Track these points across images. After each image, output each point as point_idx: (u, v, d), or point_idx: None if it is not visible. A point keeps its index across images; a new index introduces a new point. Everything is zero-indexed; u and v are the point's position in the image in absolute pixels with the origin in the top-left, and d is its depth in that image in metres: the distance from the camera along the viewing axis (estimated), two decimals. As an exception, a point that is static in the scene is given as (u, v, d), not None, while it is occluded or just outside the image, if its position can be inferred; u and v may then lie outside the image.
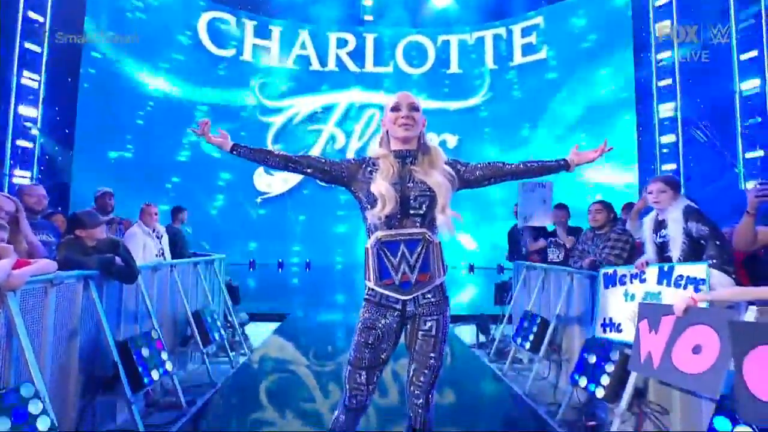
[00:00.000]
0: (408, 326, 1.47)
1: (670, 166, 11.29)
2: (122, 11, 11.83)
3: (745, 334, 1.38)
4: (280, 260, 13.42)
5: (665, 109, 11.70)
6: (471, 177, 1.53)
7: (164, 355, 2.57)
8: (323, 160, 1.54)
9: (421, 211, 1.43)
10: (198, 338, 3.26)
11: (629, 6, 12.19)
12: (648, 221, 2.43)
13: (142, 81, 12.18)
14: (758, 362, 1.31)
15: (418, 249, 1.40)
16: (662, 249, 2.32)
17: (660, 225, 2.34)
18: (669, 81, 11.57)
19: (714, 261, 2.02)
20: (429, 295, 1.45)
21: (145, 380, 2.32)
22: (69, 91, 11.05)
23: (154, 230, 3.35)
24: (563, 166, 1.57)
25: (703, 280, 2.02)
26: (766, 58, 9.88)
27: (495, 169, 1.54)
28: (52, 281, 1.99)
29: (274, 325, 5.74)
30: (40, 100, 10.28)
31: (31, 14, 9.94)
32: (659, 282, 2.24)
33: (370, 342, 1.43)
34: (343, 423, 1.49)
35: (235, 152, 1.56)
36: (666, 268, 2.21)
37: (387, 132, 1.54)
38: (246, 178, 13.84)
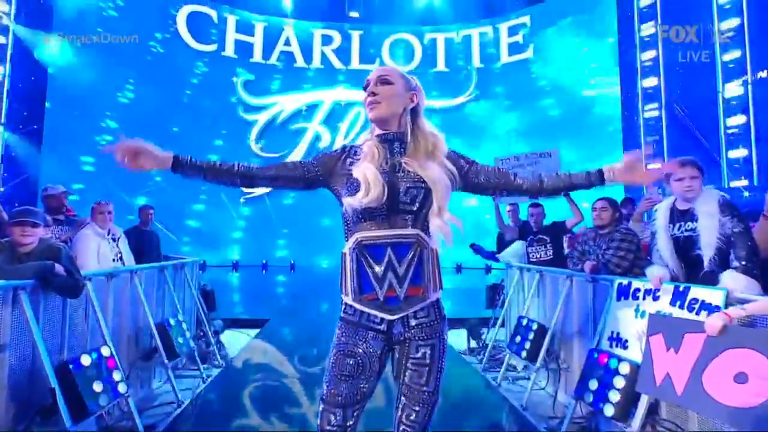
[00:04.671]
0: (396, 353, 1.20)
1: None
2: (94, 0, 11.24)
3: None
4: (264, 261, 13.02)
5: (650, 109, 11.76)
6: (474, 180, 1.25)
7: (117, 376, 2.25)
8: (291, 165, 1.24)
9: (414, 207, 1.15)
10: (162, 352, 2.93)
11: (615, 5, 12.20)
12: (663, 210, 2.14)
13: (116, 76, 11.58)
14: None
15: (409, 255, 1.12)
16: (686, 245, 2.04)
17: (682, 216, 2.07)
18: (654, 81, 11.63)
19: (743, 263, 1.80)
20: (421, 315, 1.17)
21: (89, 407, 2.00)
22: (37, 85, 10.44)
23: (109, 232, 3.00)
24: (594, 181, 1.23)
25: (719, 307, 1.77)
26: (748, 58, 9.98)
27: (505, 179, 1.25)
28: (-30, 295, 1.66)
29: (254, 332, 5.43)
30: (5, 93, 9.69)
31: (-5, 4, 9.36)
32: (672, 303, 2.00)
33: (346, 373, 1.14)
34: None
35: (179, 171, 1.18)
36: (681, 288, 1.98)
37: None
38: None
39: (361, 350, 1.15)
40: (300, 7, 14.06)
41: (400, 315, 1.15)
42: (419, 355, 1.16)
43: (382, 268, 1.11)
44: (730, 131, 10.28)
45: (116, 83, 11.56)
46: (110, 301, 2.66)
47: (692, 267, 2.04)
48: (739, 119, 10.14)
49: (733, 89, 10.16)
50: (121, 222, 4.16)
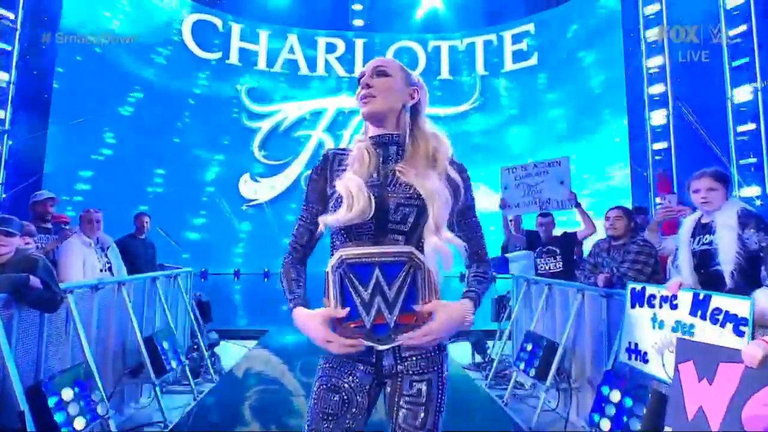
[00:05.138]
0: (387, 388, 1.03)
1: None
2: (101, 9, 11.32)
3: None
4: (266, 269, 12.88)
5: (657, 116, 11.59)
6: (453, 219, 1.07)
7: (96, 396, 2.10)
8: (304, 227, 1.12)
9: (404, 228, 0.99)
10: (150, 369, 2.78)
11: (620, 13, 12.11)
12: (688, 223, 2.00)
13: (122, 84, 11.62)
14: None
15: (400, 276, 0.94)
16: (703, 259, 1.89)
17: (703, 229, 1.92)
18: (661, 88, 11.48)
19: None
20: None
21: (64, 431, 1.85)
22: (42, 93, 10.47)
23: (98, 241, 2.87)
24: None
25: (746, 320, 1.61)
26: (757, 64, 9.83)
27: (464, 231, 1.08)
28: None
29: (252, 343, 5.28)
30: (10, 100, 9.71)
31: (1, 11, 9.42)
32: (692, 312, 1.84)
33: (330, 411, 0.98)
34: None
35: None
36: (702, 297, 1.81)
37: None
38: (232, 185, 13.36)
39: (347, 385, 0.99)
40: (304, 15, 14.12)
41: (391, 345, 0.96)
42: (413, 391, 0.99)
43: (369, 290, 0.94)
44: (740, 138, 10.10)
45: (120, 91, 11.60)
46: (94, 315, 2.52)
47: (712, 284, 1.88)
48: (749, 126, 9.96)
49: (742, 96, 10.00)
50: (121, 233, 4.09)
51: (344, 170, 1.04)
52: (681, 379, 1.42)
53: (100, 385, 2.18)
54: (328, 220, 1.00)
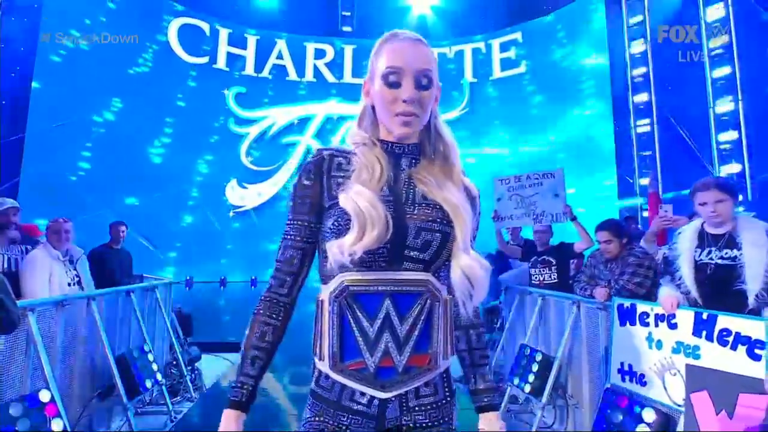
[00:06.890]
0: None
1: (648, 180, 11.30)
2: (84, 8, 11.01)
3: None
4: (253, 277, 12.60)
5: (642, 124, 11.78)
6: None
7: (57, 425, 1.91)
8: (299, 243, 0.88)
9: (425, 256, 0.82)
10: (121, 390, 2.59)
11: (605, 23, 12.33)
12: (689, 234, 1.90)
13: (105, 87, 11.29)
14: None
15: (415, 310, 0.80)
16: (718, 275, 1.78)
17: (714, 241, 1.82)
18: (645, 96, 11.69)
19: None
20: (426, 392, 0.84)
21: (17, 469, 1.67)
22: (21, 93, 10.11)
23: (66, 253, 2.68)
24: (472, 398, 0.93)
25: (762, 342, 1.52)
26: (737, 75, 10.08)
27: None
28: None
29: (236, 356, 5.07)
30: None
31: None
32: (696, 333, 1.75)
33: None
34: None
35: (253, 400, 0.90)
36: (705, 316, 1.73)
37: (372, 108, 0.90)
38: (218, 192, 13.09)
39: None
40: (293, 20, 14.04)
41: (397, 392, 0.81)
42: None
43: (376, 325, 0.78)
44: (722, 147, 10.31)
45: (104, 94, 11.28)
46: (59, 333, 2.33)
47: (727, 301, 1.76)
48: (731, 135, 10.17)
49: (724, 105, 10.23)
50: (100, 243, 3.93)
51: (345, 178, 0.84)
52: (695, 411, 1.33)
53: (63, 412, 1.99)
54: (332, 251, 0.79)
